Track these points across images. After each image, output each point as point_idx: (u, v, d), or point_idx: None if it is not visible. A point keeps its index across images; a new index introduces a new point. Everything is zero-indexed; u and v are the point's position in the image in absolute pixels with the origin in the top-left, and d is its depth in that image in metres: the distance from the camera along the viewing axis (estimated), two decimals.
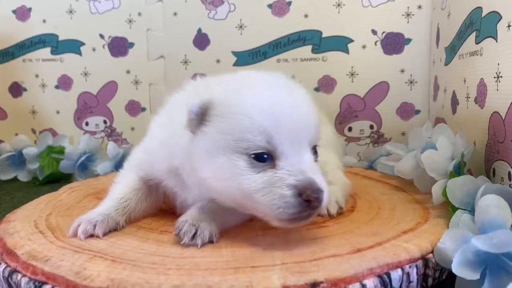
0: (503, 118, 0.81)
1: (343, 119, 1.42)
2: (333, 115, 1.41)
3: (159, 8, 1.48)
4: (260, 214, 0.70)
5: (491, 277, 0.61)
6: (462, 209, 0.76)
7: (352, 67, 1.39)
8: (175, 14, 1.47)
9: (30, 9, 1.55)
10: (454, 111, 1.07)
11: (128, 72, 1.52)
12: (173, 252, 0.69)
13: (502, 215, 0.65)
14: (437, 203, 0.86)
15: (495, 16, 0.84)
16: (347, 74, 1.40)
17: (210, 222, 0.73)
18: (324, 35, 1.40)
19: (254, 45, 1.43)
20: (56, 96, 1.57)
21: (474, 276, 0.61)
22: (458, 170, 0.84)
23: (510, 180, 0.80)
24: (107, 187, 1.02)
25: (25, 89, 1.59)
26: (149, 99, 1.53)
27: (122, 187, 0.87)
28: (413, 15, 1.35)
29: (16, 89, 1.59)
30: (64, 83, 1.56)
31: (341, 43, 1.39)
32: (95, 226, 0.75)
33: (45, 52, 1.55)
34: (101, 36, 1.52)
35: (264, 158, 0.68)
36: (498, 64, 0.82)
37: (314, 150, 0.72)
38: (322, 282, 0.58)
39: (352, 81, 1.40)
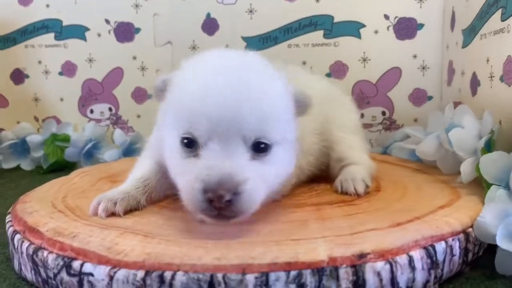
0: None
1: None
2: None
3: None
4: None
5: None
6: (497, 184, 0.75)
7: (364, 52, 1.38)
8: None
9: None
10: (474, 93, 1.05)
11: (134, 58, 1.48)
12: (204, 228, 0.66)
13: None
14: (466, 181, 0.84)
15: None
16: (359, 60, 1.38)
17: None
18: (336, 20, 1.38)
19: (265, 30, 1.40)
20: (59, 83, 1.52)
21: None
22: (488, 148, 0.82)
23: None
24: (119, 171, 0.99)
25: (27, 76, 1.55)
26: None
27: (141, 169, 0.83)
28: (426, 0, 1.34)
29: (18, 76, 1.55)
30: (68, 69, 1.52)
31: (353, 28, 1.37)
32: (115, 203, 0.72)
33: (49, 37, 1.51)
34: (107, 21, 1.48)
35: (189, 144, 0.64)
36: None
37: (258, 147, 0.63)
38: (369, 254, 0.56)
39: (364, 67, 1.38)
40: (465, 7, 1.12)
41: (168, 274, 0.55)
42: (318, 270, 0.54)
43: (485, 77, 0.99)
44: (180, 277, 0.54)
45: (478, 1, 1.03)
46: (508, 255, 0.63)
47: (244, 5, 1.40)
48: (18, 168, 1.48)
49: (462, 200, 0.77)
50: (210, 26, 1.43)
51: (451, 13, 1.25)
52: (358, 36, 1.38)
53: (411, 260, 0.58)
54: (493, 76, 0.95)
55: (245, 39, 1.42)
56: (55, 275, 0.61)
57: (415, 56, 1.37)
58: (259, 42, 1.40)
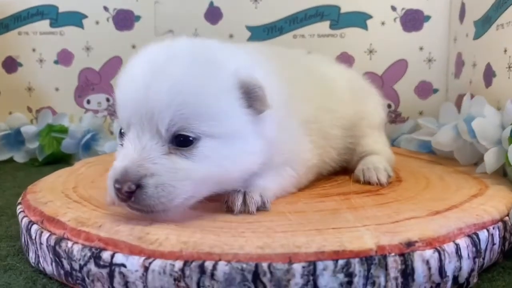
0: None
1: None
2: None
3: None
4: None
5: None
6: None
7: (370, 44, 1.36)
8: None
9: None
10: (488, 84, 1.05)
11: (133, 47, 1.44)
12: (235, 218, 0.63)
13: None
14: (490, 171, 0.83)
15: None
16: (365, 51, 1.36)
17: (259, 188, 0.67)
18: (342, 10, 1.36)
19: (270, 19, 1.37)
20: (55, 72, 1.47)
21: None
22: None
23: None
24: None
25: (20, 64, 1.48)
26: None
27: None
28: None
29: (11, 64, 1.49)
30: (64, 58, 1.46)
31: (359, 19, 1.36)
32: None
33: (44, 24, 1.45)
34: (105, 8, 1.43)
35: (121, 133, 0.64)
36: None
37: (179, 140, 0.59)
38: (416, 241, 0.54)
39: (371, 59, 1.36)
40: None
41: (209, 264, 0.52)
42: (367, 259, 0.52)
43: (502, 68, 0.98)
44: (222, 267, 0.51)
45: None
46: None
47: None
48: (11, 160, 1.42)
49: (491, 190, 0.75)
50: (213, 14, 1.39)
51: (460, 5, 1.24)
52: (365, 27, 1.36)
53: (457, 248, 0.56)
54: (511, 67, 0.94)
55: (249, 28, 1.38)
56: (81, 267, 0.57)
57: (421, 48, 1.36)
58: (264, 32, 1.38)
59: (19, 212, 0.72)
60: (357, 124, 0.91)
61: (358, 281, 0.51)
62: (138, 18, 1.43)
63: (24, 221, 0.68)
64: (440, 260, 0.54)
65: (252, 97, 0.62)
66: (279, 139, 0.69)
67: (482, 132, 0.85)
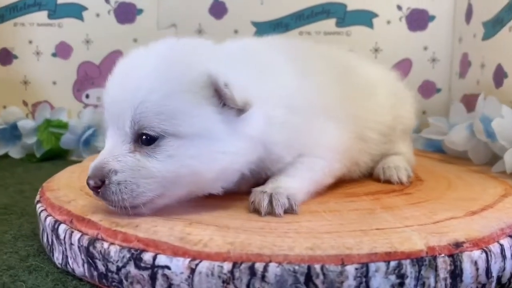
0: None
1: None
2: None
3: None
4: None
5: None
6: None
7: (376, 42, 1.36)
8: None
9: None
10: (499, 84, 1.06)
11: (135, 40, 1.40)
12: (271, 218, 0.62)
13: None
14: (510, 170, 0.84)
15: None
16: (370, 50, 1.37)
17: (287, 189, 0.66)
18: (348, 8, 1.35)
19: (276, 16, 1.36)
20: (52, 65, 1.42)
21: None
22: None
23: None
24: None
25: (15, 57, 1.43)
26: None
27: None
28: None
29: (6, 56, 1.43)
30: (63, 51, 1.41)
31: (365, 18, 1.35)
32: None
33: (41, 16, 1.40)
34: (106, 0, 1.39)
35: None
36: None
37: (142, 138, 0.59)
38: (464, 242, 0.54)
39: (376, 57, 1.36)
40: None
41: (259, 266, 0.50)
42: (418, 260, 0.51)
43: None
44: (273, 268, 0.50)
45: None
46: None
47: None
48: (6, 156, 1.37)
49: None
50: (218, 9, 1.37)
51: (467, 6, 1.26)
52: (371, 25, 1.36)
53: (502, 249, 0.56)
54: None
55: (255, 24, 1.37)
56: (119, 268, 0.55)
57: (425, 48, 1.36)
58: (270, 28, 1.36)
59: (41, 211, 0.69)
60: (395, 129, 0.89)
61: (409, 282, 0.51)
62: (140, 11, 1.40)
63: (49, 221, 0.65)
64: (487, 260, 0.54)
65: (222, 96, 0.61)
66: (279, 136, 0.67)
67: (502, 132, 0.86)
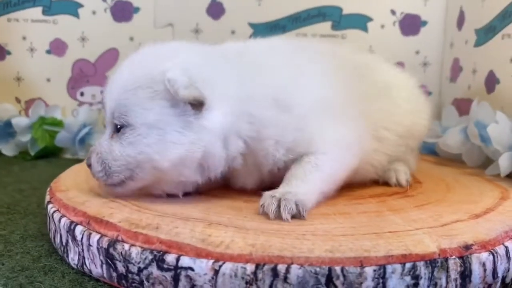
0: None
1: None
2: None
3: None
4: None
5: None
6: None
7: (370, 46, 1.39)
8: None
9: None
10: (490, 90, 1.10)
11: (131, 39, 1.40)
12: (284, 221, 0.63)
13: None
14: (504, 174, 0.88)
15: None
16: None
17: (296, 194, 0.67)
18: (344, 12, 1.38)
19: (273, 17, 1.38)
20: (47, 61, 1.40)
21: None
22: None
23: None
24: None
25: (9, 53, 1.41)
26: None
27: None
28: None
29: None
30: (57, 48, 1.40)
31: (361, 21, 1.38)
32: None
33: (36, 12, 1.39)
34: None
35: None
36: None
37: (117, 128, 0.69)
38: (473, 245, 0.57)
39: None
40: (480, 7, 1.16)
41: (282, 268, 0.52)
42: (431, 262, 0.54)
43: (507, 76, 1.03)
44: (295, 270, 0.52)
45: (499, 2, 1.07)
46: None
47: None
48: None
49: None
50: (215, 9, 1.38)
51: (458, 12, 1.29)
52: (365, 29, 1.39)
53: (507, 251, 0.59)
54: None
55: (252, 25, 1.38)
56: (141, 270, 0.56)
57: (417, 52, 1.40)
58: (267, 29, 1.38)
59: (53, 212, 0.69)
60: (413, 134, 0.91)
61: (423, 283, 0.54)
62: (137, 9, 1.40)
63: (64, 222, 0.66)
64: (494, 262, 0.57)
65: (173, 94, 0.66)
66: (265, 132, 0.70)
67: (497, 137, 0.90)
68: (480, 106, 1.01)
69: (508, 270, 0.59)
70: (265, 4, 1.37)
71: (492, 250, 0.57)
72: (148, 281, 0.56)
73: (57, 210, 0.69)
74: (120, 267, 0.58)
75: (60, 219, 0.67)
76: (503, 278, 0.59)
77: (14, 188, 1.05)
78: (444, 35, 1.39)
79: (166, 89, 0.66)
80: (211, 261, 0.53)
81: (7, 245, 0.72)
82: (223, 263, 0.53)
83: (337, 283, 0.52)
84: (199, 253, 0.54)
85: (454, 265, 0.55)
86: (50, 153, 1.37)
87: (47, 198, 0.75)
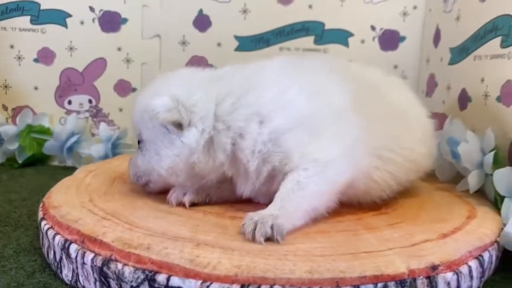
0: None
1: None
2: None
3: None
4: None
5: None
6: (508, 197, 0.85)
7: (350, 60, 1.44)
8: None
9: None
10: (463, 107, 1.16)
11: (119, 49, 1.43)
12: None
13: None
14: (473, 190, 0.94)
15: None
16: None
17: (275, 218, 0.69)
18: (326, 27, 1.43)
19: (258, 31, 1.42)
20: (34, 70, 1.42)
21: None
22: (496, 162, 0.92)
23: None
24: (126, 171, 0.97)
25: None
26: (141, 79, 1.45)
27: None
28: (409, 14, 1.44)
29: None
30: (45, 56, 1.42)
31: (342, 37, 1.44)
32: (184, 194, 0.83)
33: (23, 21, 1.40)
34: (91, 8, 1.41)
35: None
36: None
37: (138, 142, 0.87)
38: (439, 265, 0.62)
39: None
40: (455, 26, 1.22)
41: None
42: (401, 282, 0.59)
43: (478, 95, 1.09)
44: None
45: (473, 24, 1.12)
46: None
47: (238, 4, 1.41)
48: None
49: (479, 211, 0.85)
50: (202, 22, 1.42)
51: (435, 29, 1.35)
52: (346, 44, 1.44)
53: (470, 270, 0.65)
54: (489, 96, 1.05)
55: (237, 38, 1.42)
56: None
57: (396, 67, 1.46)
58: (252, 42, 1.42)
59: (47, 229, 0.73)
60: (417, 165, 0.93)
61: None
62: (125, 20, 1.42)
63: (58, 240, 0.69)
64: (458, 281, 0.63)
65: None
66: (244, 144, 0.78)
67: (466, 156, 0.96)
68: (452, 123, 1.07)
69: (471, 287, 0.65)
70: (250, 18, 1.41)
71: (456, 270, 0.63)
72: None
73: (51, 227, 0.73)
74: (114, 285, 0.62)
75: (54, 237, 0.70)
76: None
77: (4, 198, 1.07)
78: (421, 51, 1.45)
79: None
80: (199, 281, 0.58)
81: (1, 260, 0.75)
82: (211, 283, 0.57)
83: None
84: (187, 274, 0.59)
85: (421, 284, 0.60)
86: (38, 160, 1.39)
87: (40, 214, 0.78)
